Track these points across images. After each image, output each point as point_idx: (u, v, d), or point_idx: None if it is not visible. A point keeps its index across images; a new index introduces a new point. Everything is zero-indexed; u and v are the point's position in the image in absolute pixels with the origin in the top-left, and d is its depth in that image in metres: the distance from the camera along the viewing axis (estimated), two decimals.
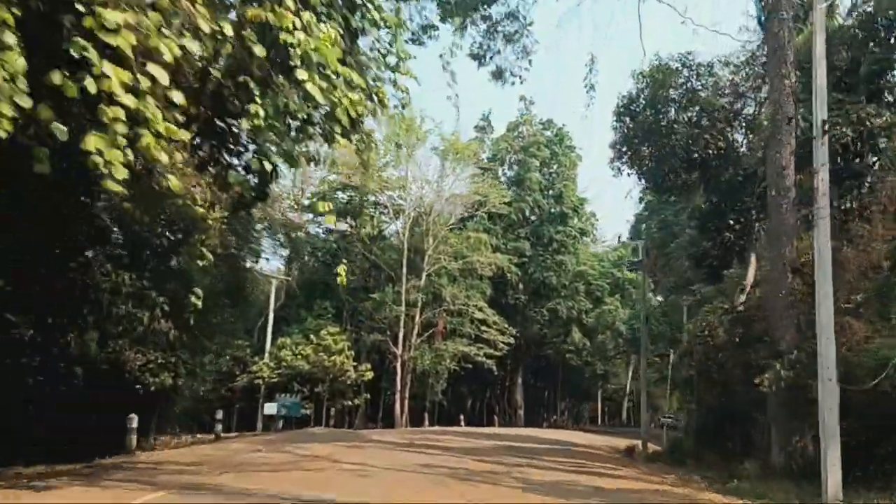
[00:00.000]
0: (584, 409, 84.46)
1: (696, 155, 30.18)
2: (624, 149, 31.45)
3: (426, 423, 44.44)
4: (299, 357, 40.57)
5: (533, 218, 56.23)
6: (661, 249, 62.30)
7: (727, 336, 21.95)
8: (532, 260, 52.02)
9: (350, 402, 42.95)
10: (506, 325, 46.68)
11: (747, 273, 27.99)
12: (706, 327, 24.91)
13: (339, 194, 49.82)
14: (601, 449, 30.72)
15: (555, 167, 54.89)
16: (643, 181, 34.63)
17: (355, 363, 42.47)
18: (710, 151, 29.39)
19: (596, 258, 55.93)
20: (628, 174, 32.41)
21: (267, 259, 49.94)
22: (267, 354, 43.24)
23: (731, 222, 29.71)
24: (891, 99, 21.75)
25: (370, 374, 42.17)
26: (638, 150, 31.40)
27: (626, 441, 40.52)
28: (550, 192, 53.96)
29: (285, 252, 50.88)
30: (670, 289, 55.66)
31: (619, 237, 58.34)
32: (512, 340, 46.99)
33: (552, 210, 53.71)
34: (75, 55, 6.25)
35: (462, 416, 47.04)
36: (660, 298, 58.70)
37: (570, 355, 61.98)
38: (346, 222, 50.53)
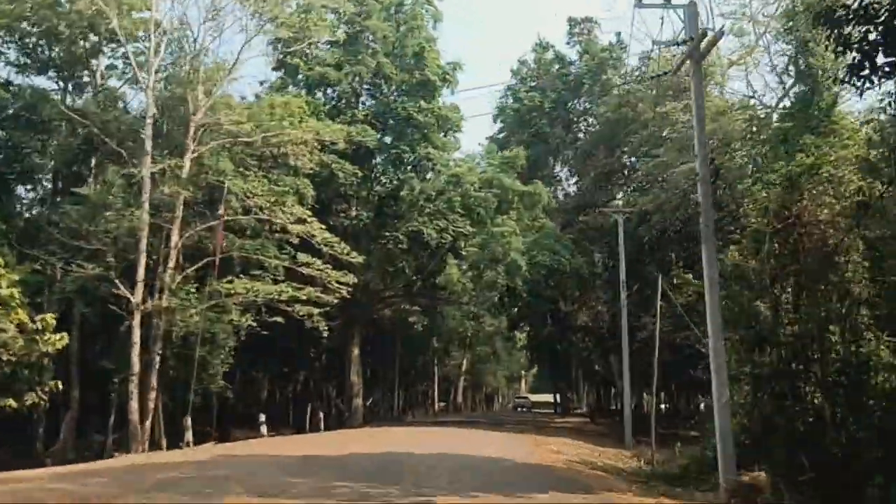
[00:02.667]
0: (419, 392, 67.02)
1: None
2: None
3: (188, 434, 22.69)
4: None
5: (372, 102, 36.14)
6: (535, 172, 45.56)
7: None
8: (377, 155, 32.04)
9: (21, 402, 20.20)
10: (347, 250, 26.35)
11: None
12: None
13: (24, 24, 26.32)
14: (598, 472, 14.58)
15: (405, 18, 35.10)
16: None
17: (37, 319, 19.82)
18: None
19: (472, 160, 36.96)
20: None
21: None
22: None
23: None
24: None
25: (63, 341, 19.70)
26: None
27: (573, 444, 22.93)
28: (402, 55, 34.10)
29: None
30: (569, 210, 39.15)
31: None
32: (353, 279, 26.76)
33: (405, 84, 33.86)
34: None
35: (263, 417, 25.96)
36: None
37: (413, 319, 43.10)
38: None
